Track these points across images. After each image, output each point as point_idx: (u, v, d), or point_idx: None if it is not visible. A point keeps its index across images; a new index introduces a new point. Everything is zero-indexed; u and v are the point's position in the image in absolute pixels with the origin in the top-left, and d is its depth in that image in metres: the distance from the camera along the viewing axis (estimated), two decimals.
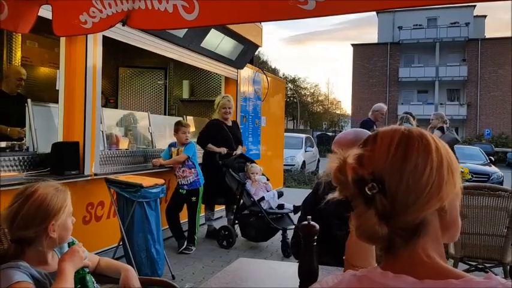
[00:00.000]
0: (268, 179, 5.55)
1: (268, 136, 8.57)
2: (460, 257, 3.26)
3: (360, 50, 40.80)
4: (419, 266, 0.75)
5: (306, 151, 16.30)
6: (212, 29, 5.73)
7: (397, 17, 39.14)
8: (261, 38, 7.42)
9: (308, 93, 52.94)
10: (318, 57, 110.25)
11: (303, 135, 18.40)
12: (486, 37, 38.21)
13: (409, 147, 0.77)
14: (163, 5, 2.37)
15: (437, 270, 0.75)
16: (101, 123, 4.44)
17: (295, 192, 9.20)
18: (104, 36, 4.16)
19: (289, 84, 49.26)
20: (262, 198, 5.15)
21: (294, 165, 14.82)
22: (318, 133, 34.76)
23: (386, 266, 0.77)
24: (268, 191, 5.34)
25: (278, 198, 5.33)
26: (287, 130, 29.44)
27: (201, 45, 5.86)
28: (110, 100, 7.03)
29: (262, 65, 41.53)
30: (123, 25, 2.59)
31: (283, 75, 49.08)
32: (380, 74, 39.65)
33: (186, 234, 5.08)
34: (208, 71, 7.02)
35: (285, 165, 11.07)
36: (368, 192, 0.74)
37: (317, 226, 1.31)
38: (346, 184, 0.77)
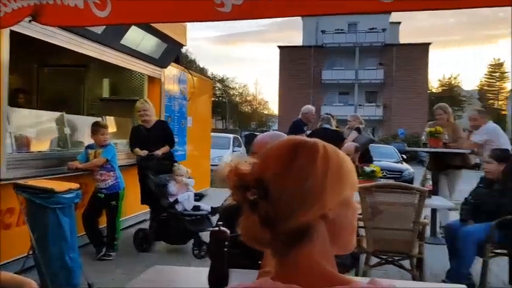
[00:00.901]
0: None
1: (194, 136, 8.49)
2: (372, 251, 3.45)
3: (286, 52, 41.85)
4: (307, 274, 0.75)
5: (233, 151, 16.39)
6: (133, 26, 5.55)
7: (320, 21, 40.52)
8: (185, 37, 7.32)
9: (237, 93, 53.26)
10: (246, 58, 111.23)
11: (231, 135, 18.49)
12: (401, 43, 40.85)
13: (295, 155, 0.78)
14: (73, 0, 2.26)
15: (324, 277, 0.76)
16: (9, 124, 4.13)
17: (222, 192, 9.18)
18: (18, 33, 3.87)
19: (218, 84, 49.17)
20: (176, 201, 5.06)
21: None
22: (246, 133, 35.05)
23: (277, 275, 0.77)
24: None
25: (200, 200, 5.29)
26: (216, 130, 29.39)
27: (121, 42, 5.65)
28: (20, 98, 6.55)
29: (191, 64, 41.12)
30: (29, 21, 2.43)
31: (212, 74, 48.94)
32: (305, 76, 40.89)
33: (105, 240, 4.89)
34: (131, 70, 6.80)
35: (212, 165, 11.04)
36: (249, 197, 0.75)
37: (227, 231, 1.31)
38: (233, 189, 0.78)
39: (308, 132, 7.20)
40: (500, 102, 62.55)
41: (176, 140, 6.32)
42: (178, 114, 7.77)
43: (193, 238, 4.98)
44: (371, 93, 40.82)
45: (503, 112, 58.16)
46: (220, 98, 49.06)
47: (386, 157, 13.43)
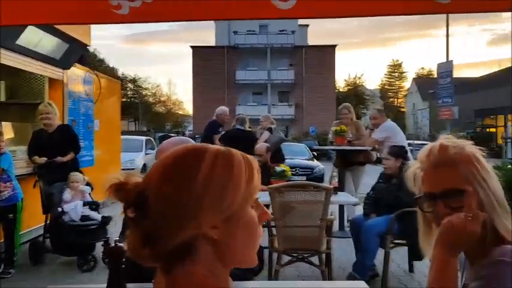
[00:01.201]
0: (92, 188, 5.14)
1: (103, 140, 8.10)
2: (283, 249, 3.53)
3: (199, 52, 41.65)
4: None
5: (146, 154, 15.91)
6: (30, 26, 5.16)
7: (232, 22, 40.82)
8: (89, 37, 6.96)
9: (150, 94, 51.85)
10: (158, 57, 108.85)
11: (143, 138, 17.95)
12: (309, 44, 42.55)
13: (176, 168, 0.74)
14: None
15: None
16: None
17: None
18: None
19: (130, 85, 47.51)
20: (62, 211, 4.71)
21: (134, 168, 14.29)
22: (161, 134, 34.25)
23: None
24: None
25: (96, 208, 4.95)
26: (128, 132, 28.36)
27: (17, 43, 5.23)
28: None
29: (99, 64, 39.24)
30: None
31: (123, 74, 47.17)
32: (219, 76, 41.01)
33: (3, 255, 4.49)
34: (29, 72, 6.31)
35: (123, 169, 10.63)
36: (130, 215, 0.72)
37: (123, 247, 1.25)
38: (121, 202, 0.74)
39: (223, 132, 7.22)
40: (399, 100, 67.71)
41: (82, 144, 5.98)
42: (84, 117, 7.37)
43: (85, 249, 4.71)
44: (283, 93, 42.04)
45: (402, 109, 63.04)
46: (132, 99, 47.48)
47: (298, 155, 13.89)
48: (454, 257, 1.11)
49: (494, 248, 1.09)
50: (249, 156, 0.80)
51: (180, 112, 58.38)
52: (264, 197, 3.80)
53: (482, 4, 2.05)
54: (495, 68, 49.34)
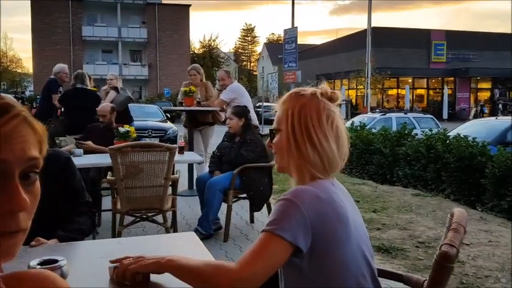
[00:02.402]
0: None
1: None
2: (126, 211, 3.50)
3: (39, 3, 37.00)
4: None
5: None
6: None
7: None
8: None
9: None
10: None
11: None
12: (162, 2, 41.08)
13: None
14: None
15: None
16: None
17: None
18: None
19: None
20: None
21: None
22: None
23: None
24: None
25: None
26: None
27: None
28: None
29: None
30: None
31: None
32: (63, 31, 37.39)
33: None
34: None
35: None
36: None
37: None
38: None
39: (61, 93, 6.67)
40: (252, 64, 70.24)
41: None
42: None
43: None
44: (136, 52, 40.22)
45: (254, 73, 65.65)
46: None
47: (151, 116, 13.61)
48: None
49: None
50: None
51: (19, 70, 52.10)
52: (106, 158, 3.68)
53: None
54: (334, 37, 54.06)
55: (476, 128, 8.58)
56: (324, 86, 1.33)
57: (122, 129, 4.36)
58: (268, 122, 23.41)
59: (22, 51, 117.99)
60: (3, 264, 0.65)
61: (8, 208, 0.56)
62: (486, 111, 32.08)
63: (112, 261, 1.31)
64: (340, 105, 1.37)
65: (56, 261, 1.31)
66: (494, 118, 10.33)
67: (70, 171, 2.10)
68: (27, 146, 0.59)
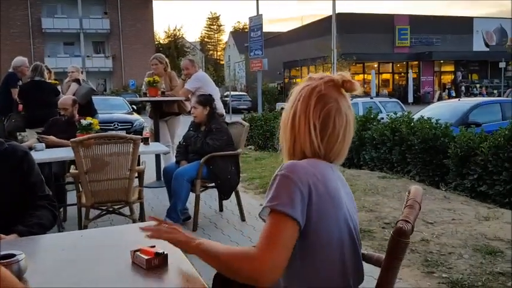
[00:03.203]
0: None
1: None
2: (91, 204, 3.43)
3: None
4: None
5: None
6: None
7: None
8: None
9: None
10: None
11: None
12: None
13: None
14: None
15: None
16: None
17: None
18: None
19: None
20: None
21: None
22: None
23: None
24: None
25: None
26: None
27: None
28: None
29: None
30: None
31: None
32: (22, 24, 36.06)
33: None
34: None
35: None
36: None
37: None
38: None
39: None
40: (218, 53, 69.74)
41: None
42: None
43: None
44: (98, 44, 39.20)
45: (221, 62, 65.22)
46: None
47: (116, 109, 13.38)
48: None
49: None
50: None
51: None
52: (69, 152, 3.60)
53: None
54: (299, 24, 54.17)
55: (440, 110, 8.82)
56: (342, 74, 1.33)
57: (84, 122, 4.25)
58: (237, 111, 23.44)
59: None
60: None
61: None
62: (453, 94, 33.00)
63: (142, 228, 1.36)
64: None
65: (14, 255, 1.28)
66: (457, 100, 10.63)
67: (28, 165, 2.04)
68: None
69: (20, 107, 6.28)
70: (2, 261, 1.25)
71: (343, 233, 1.25)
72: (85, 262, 1.41)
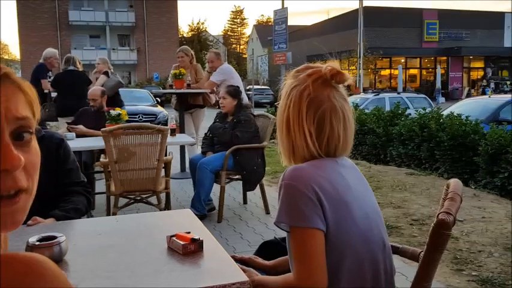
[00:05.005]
0: None
1: None
2: (120, 193, 3.48)
3: None
4: None
5: None
6: None
7: None
8: None
9: None
10: None
11: None
12: None
13: None
14: None
15: None
16: None
17: None
18: None
19: None
20: None
21: None
22: None
23: None
24: None
25: None
26: None
27: None
28: None
29: None
30: None
31: None
32: (49, 16, 36.70)
33: None
34: None
35: None
36: None
37: None
38: None
39: (52, 77, 6.61)
40: (241, 47, 69.72)
41: None
42: None
43: None
44: (124, 37, 39.66)
45: (244, 55, 65.23)
46: None
47: (141, 101, 13.51)
48: None
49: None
50: None
51: (6, 57, 51.37)
52: (99, 141, 3.66)
53: None
54: (325, 17, 53.58)
55: (470, 107, 8.63)
56: (330, 65, 1.25)
57: (113, 112, 4.32)
58: (259, 105, 23.41)
59: (9, 36, 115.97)
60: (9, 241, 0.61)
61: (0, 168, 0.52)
62: (488, 92, 32.09)
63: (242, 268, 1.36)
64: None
65: (55, 237, 1.30)
66: (487, 96, 10.38)
67: (64, 152, 2.09)
68: (13, 106, 0.56)
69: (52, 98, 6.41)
70: (44, 242, 1.27)
71: (362, 224, 1.23)
72: (122, 246, 1.44)
